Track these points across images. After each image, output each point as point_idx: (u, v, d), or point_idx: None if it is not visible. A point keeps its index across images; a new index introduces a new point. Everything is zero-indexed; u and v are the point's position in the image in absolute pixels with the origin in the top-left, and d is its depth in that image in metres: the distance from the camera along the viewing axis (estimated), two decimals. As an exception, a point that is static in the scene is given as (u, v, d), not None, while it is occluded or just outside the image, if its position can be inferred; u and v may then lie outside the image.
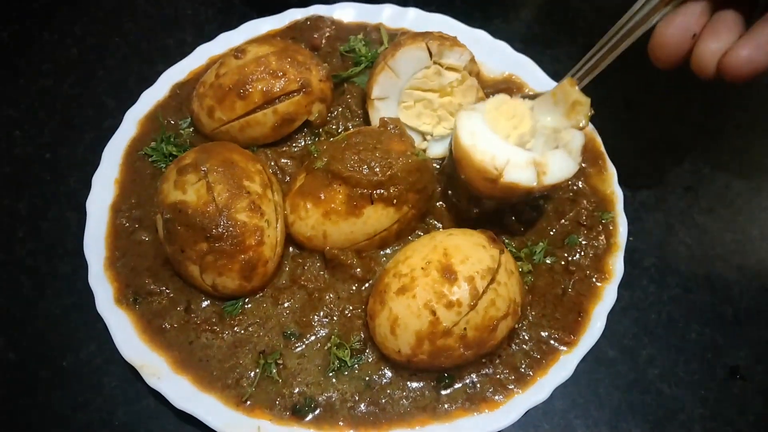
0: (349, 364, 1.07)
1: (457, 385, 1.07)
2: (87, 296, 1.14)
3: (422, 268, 1.02)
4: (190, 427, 1.07)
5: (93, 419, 1.10)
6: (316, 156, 1.13)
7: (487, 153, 1.06)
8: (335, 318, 1.11)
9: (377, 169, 1.09)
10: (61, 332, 1.18)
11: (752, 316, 1.26)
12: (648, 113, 1.50)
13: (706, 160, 1.44)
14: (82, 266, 1.16)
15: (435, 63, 1.25)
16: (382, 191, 1.10)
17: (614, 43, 1.12)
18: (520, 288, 1.07)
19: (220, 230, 1.04)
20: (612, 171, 1.28)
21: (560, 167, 1.07)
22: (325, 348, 1.09)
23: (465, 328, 0.99)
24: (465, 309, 0.99)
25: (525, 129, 1.12)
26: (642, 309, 1.25)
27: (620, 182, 1.29)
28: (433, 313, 0.99)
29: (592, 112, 1.13)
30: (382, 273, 1.09)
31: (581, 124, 1.12)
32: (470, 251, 1.03)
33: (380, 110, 1.27)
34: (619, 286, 1.23)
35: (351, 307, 1.12)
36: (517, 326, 1.10)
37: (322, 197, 1.10)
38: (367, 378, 1.07)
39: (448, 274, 1.00)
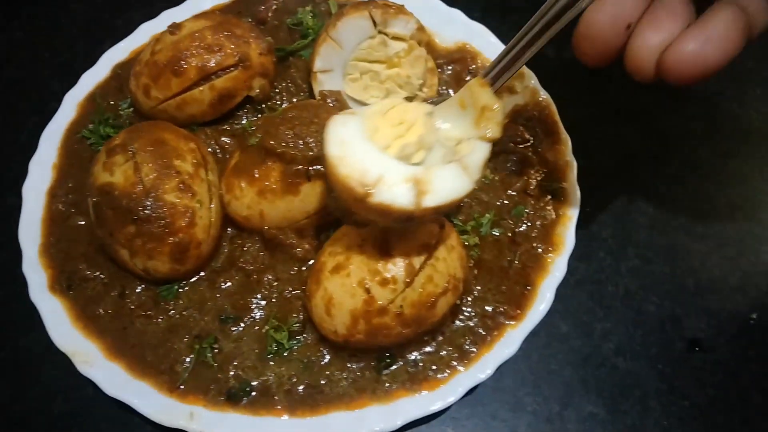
0: (287, 347, 1.04)
1: (398, 365, 1.04)
2: (25, 284, 1.11)
3: (358, 246, 0.99)
4: (129, 415, 1.04)
5: (31, 409, 1.08)
6: (250, 132, 1.09)
7: (356, 168, 0.86)
8: (274, 300, 1.08)
9: (313, 144, 1.04)
10: (-1, 321, 1.15)
11: (714, 287, 1.22)
12: (614, 81, 1.44)
13: (671, 128, 1.39)
14: (20, 253, 1.14)
15: (380, 32, 1.20)
16: (319, 167, 1.05)
17: (535, 34, 0.89)
18: (462, 263, 1.03)
19: (148, 212, 1.00)
20: (566, 141, 1.23)
21: (448, 186, 0.88)
22: (263, 331, 1.06)
23: (401, 306, 0.96)
24: (401, 286, 0.96)
25: (411, 138, 0.92)
26: (598, 282, 1.21)
27: (581, 152, 1.24)
28: (368, 291, 0.95)
29: (507, 119, 1.00)
30: (320, 252, 1.05)
31: (489, 134, 0.92)
32: (407, 227, 0.99)
33: (324, 83, 1.22)
34: (574, 259, 1.19)
35: (291, 288, 1.09)
36: (460, 301, 1.07)
37: (257, 175, 1.06)
38: (305, 360, 1.04)
39: (384, 251, 0.97)
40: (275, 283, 1.09)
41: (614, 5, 0.84)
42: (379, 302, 0.95)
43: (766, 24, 0.86)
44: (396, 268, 0.96)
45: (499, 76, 0.94)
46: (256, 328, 1.07)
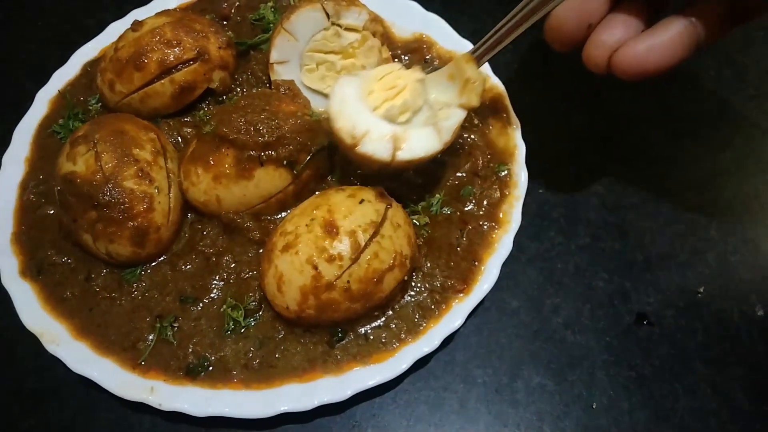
0: (243, 324, 1.09)
1: (350, 339, 1.08)
2: (-2, 271, 1.17)
3: (306, 225, 1.03)
4: (96, 392, 1.09)
5: (3, 388, 1.14)
6: (205, 121, 1.14)
7: (349, 121, 1.07)
8: (232, 281, 1.13)
9: (263, 131, 1.09)
10: (-28, 308, 1.21)
11: (663, 262, 1.26)
12: (563, 65, 1.48)
13: (622, 110, 1.43)
14: (-7, 243, 1.19)
15: (333, 24, 1.25)
16: (271, 152, 1.10)
17: (517, 21, 1.07)
18: (409, 241, 1.08)
19: (107, 198, 1.05)
20: (515, 124, 1.27)
21: (420, 145, 1.08)
22: (221, 310, 1.11)
23: (348, 281, 1.01)
24: (347, 262, 1.00)
25: (397, 102, 1.09)
26: (548, 259, 1.25)
27: (533, 136, 1.28)
28: (315, 267, 1.00)
29: (483, 90, 1.13)
30: (272, 232, 1.10)
31: (473, 102, 1.11)
32: (354, 207, 1.04)
33: (281, 74, 1.27)
34: (526, 238, 1.24)
35: (248, 270, 1.14)
36: (409, 278, 1.11)
37: (212, 162, 1.11)
38: (261, 336, 1.09)
39: (330, 229, 1.02)
40: (233, 265, 1.14)
41: (580, 6, 0.99)
42: (326, 278, 1.00)
43: (715, 38, 0.98)
44: (342, 245, 1.01)
45: (484, 54, 1.12)
46: (215, 307, 1.11)
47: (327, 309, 1.03)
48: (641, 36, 0.96)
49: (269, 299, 1.07)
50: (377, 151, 1.06)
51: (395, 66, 1.18)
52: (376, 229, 1.03)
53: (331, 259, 1.00)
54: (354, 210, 1.04)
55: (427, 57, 1.39)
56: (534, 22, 1.06)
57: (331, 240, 1.01)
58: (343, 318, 1.06)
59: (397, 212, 1.08)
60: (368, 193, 1.08)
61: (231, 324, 1.09)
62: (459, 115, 1.12)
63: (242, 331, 1.09)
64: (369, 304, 1.05)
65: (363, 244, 1.01)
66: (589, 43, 0.99)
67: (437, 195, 1.20)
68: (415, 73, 1.14)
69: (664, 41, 0.94)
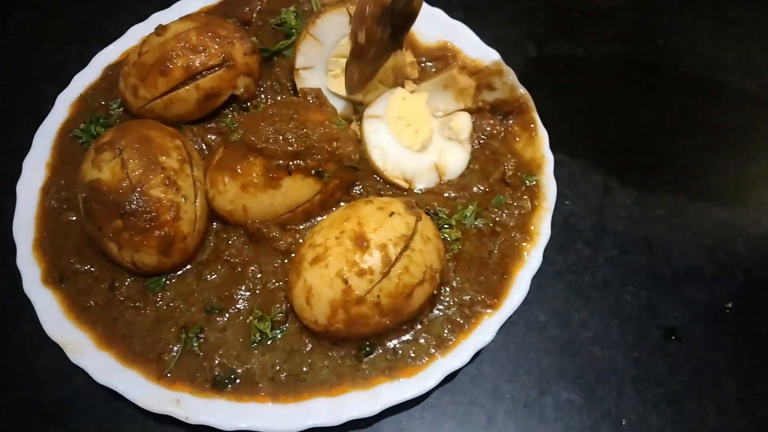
0: (270, 336, 1.07)
1: (378, 353, 1.07)
2: (19, 278, 1.14)
3: (336, 238, 1.02)
4: (119, 403, 1.07)
5: (22, 398, 1.12)
6: (233, 129, 1.12)
7: (397, 170, 1.21)
8: (258, 291, 1.11)
9: (292, 140, 1.08)
10: (-6, 315, 1.19)
11: (691, 276, 1.25)
12: (588, 75, 1.47)
13: (647, 120, 1.42)
14: (15, 249, 1.17)
15: (359, 29, 1.24)
16: (299, 162, 1.09)
17: None
18: (439, 254, 1.06)
19: (134, 206, 1.04)
20: (543, 135, 1.26)
21: (455, 162, 1.23)
22: (247, 321, 1.09)
23: (378, 296, 0.99)
24: (377, 276, 0.99)
25: (426, 134, 1.22)
26: (576, 272, 1.24)
27: (559, 146, 1.27)
28: (345, 281, 0.98)
29: (479, 94, 1.27)
30: (300, 244, 1.08)
31: (468, 104, 1.26)
32: (384, 219, 1.03)
33: (306, 80, 1.26)
34: (553, 251, 1.23)
35: (274, 280, 1.12)
36: (439, 291, 1.09)
37: (239, 170, 1.10)
38: (288, 349, 1.07)
39: (361, 242, 1.00)
40: (259, 275, 1.12)
41: None
42: (357, 292, 0.98)
43: None
44: (372, 259, 0.99)
45: None
46: (241, 318, 1.10)
47: (356, 323, 1.01)
48: None
49: (297, 312, 1.06)
50: (429, 183, 1.22)
51: (402, 93, 1.25)
52: (407, 242, 1.01)
53: (361, 273, 0.98)
54: (384, 223, 1.02)
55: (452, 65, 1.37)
56: None
57: (362, 253, 0.99)
58: (372, 332, 1.04)
59: (426, 225, 1.06)
60: (398, 206, 1.06)
61: (257, 335, 1.07)
62: (467, 121, 1.25)
63: (269, 343, 1.07)
64: (398, 319, 1.03)
65: (394, 258, 1.00)
66: None
67: (470, 206, 1.18)
68: (422, 96, 1.25)
69: None
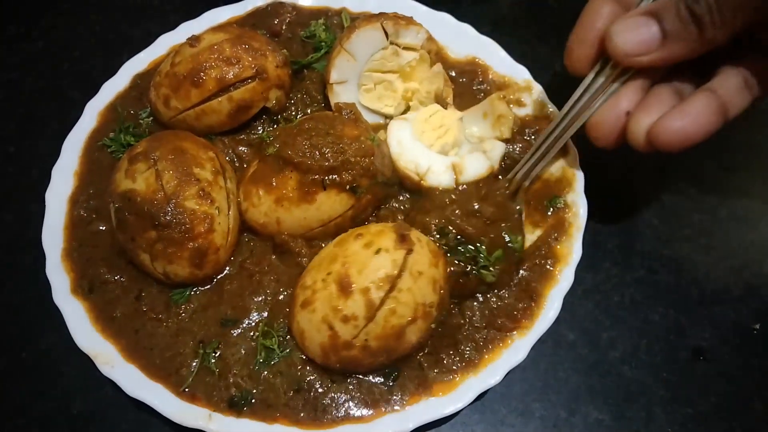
0: (279, 353, 1.07)
1: (404, 376, 1.07)
2: (47, 287, 1.14)
3: (323, 280, 1.01)
4: (145, 414, 1.07)
5: (51, 408, 1.11)
6: (268, 142, 1.12)
7: (411, 160, 1.18)
8: (269, 300, 1.11)
9: (329, 155, 1.08)
10: (21, 323, 1.19)
11: (718, 297, 1.25)
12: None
13: (675, 140, 1.42)
14: (43, 257, 1.17)
15: (392, 43, 1.25)
16: (334, 177, 1.09)
17: (560, 132, 1.15)
18: (435, 286, 1.02)
19: (168, 218, 1.03)
20: (574, 153, 1.26)
21: (475, 167, 1.19)
22: (255, 337, 1.09)
23: (366, 340, 0.98)
24: (362, 322, 0.98)
25: (449, 139, 1.21)
26: (604, 291, 1.24)
27: (587, 164, 1.27)
28: (331, 327, 0.99)
29: (516, 126, 1.24)
30: (296, 282, 1.08)
31: (505, 135, 1.23)
32: (369, 260, 1.00)
33: (340, 94, 1.26)
34: (581, 269, 1.22)
35: (286, 292, 1.11)
36: (472, 309, 1.09)
37: (274, 184, 1.10)
38: (300, 382, 1.06)
39: (344, 287, 0.98)
40: (273, 284, 1.12)
41: (614, 101, 1.08)
42: (343, 338, 0.98)
43: (739, 108, 1.04)
44: (355, 304, 0.97)
45: (531, 170, 1.19)
46: (252, 333, 1.09)
47: (349, 364, 1.02)
48: (673, 109, 1.01)
49: (298, 346, 1.07)
50: (442, 182, 1.17)
51: (435, 107, 1.25)
52: (393, 283, 0.98)
53: (345, 320, 0.98)
54: (369, 263, 0.99)
55: (479, 80, 1.37)
56: (572, 133, 1.14)
57: (345, 299, 0.98)
58: (367, 371, 1.05)
59: (419, 257, 1.01)
60: (387, 239, 1.02)
61: (263, 354, 1.07)
62: (501, 146, 1.22)
63: (273, 363, 1.07)
64: (394, 357, 1.03)
65: (378, 302, 0.97)
66: (628, 127, 1.05)
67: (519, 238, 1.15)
68: (456, 113, 1.25)
69: (696, 112, 1.00)
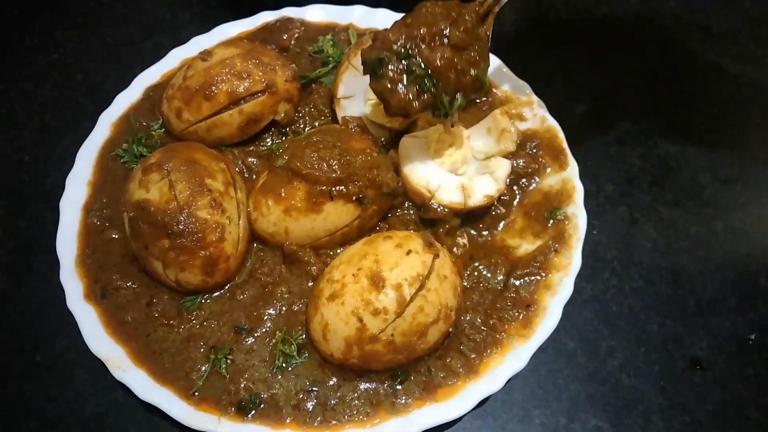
0: (296, 360, 1.09)
1: (411, 379, 1.09)
2: (60, 292, 1.17)
3: (353, 275, 1.04)
4: (157, 418, 1.10)
5: (64, 411, 1.14)
6: (278, 154, 1.16)
7: (422, 178, 1.20)
8: (283, 311, 1.14)
9: (336, 167, 1.11)
10: (35, 327, 1.21)
11: (714, 307, 1.27)
12: (616, 108, 1.52)
13: (673, 153, 1.46)
14: (57, 263, 1.20)
15: (398, 59, 1.28)
16: (341, 188, 1.12)
17: None
18: (455, 292, 1.07)
19: (181, 227, 1.07)
20: (573, 166, 1.30)
21: (483, 191, 1.21)
22: (272, 343, 1.11)
23: (392, 335, 1.01)
24: (392, 316, 1.01)
25: (458, 157, 1.23)
26: (603, 301, 1.27)
27: (586, 177, 1.31)
28: (360, 320, 1.01)
29: (518, 140, 1.26)
30: (319, 276, 1.11)
31: (510, 148, 1.25)
32: (401, 259, 1.04)
33: (347, 108, 1.30)
34: (581, 279, 1.25)
35: (300, 303, 1.14)
36: (466, 318, 1.13)
37: (283, 194, 1.13)
38: (311, 379, 1.09)
39: (377, 281, 1.01)
40: (287, 296, 1.15)
41: None
42: (371, 331, 1.01)
43: None
44: (387, 298, 1.01)
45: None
46: (267, 340, 1.12)
47: (370, 359, 1.04)
48: None
49: (314, 344, 1.09)
50: (453, 200, 1.19)
51: (441, 126, 1.27)
52: (422, 282, 1.03)
53: (376, 313, 1.01)
54: (401, 262, 1.03)
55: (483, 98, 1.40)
56: None
57: (377, 293, 1.01)
58: (386, 368, 1.07)
59: (444, 263, 1.07)
60: (416, 243, 1.07)
61: (281, 360, 1.09)
62: (506, 165, 1.24)
63: (290, 369, 1.09)
64: (412, 356, 1.06)
65: (408, 298, 1.01)
66: None
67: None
68: (463, 131, 1.26)
69: None
